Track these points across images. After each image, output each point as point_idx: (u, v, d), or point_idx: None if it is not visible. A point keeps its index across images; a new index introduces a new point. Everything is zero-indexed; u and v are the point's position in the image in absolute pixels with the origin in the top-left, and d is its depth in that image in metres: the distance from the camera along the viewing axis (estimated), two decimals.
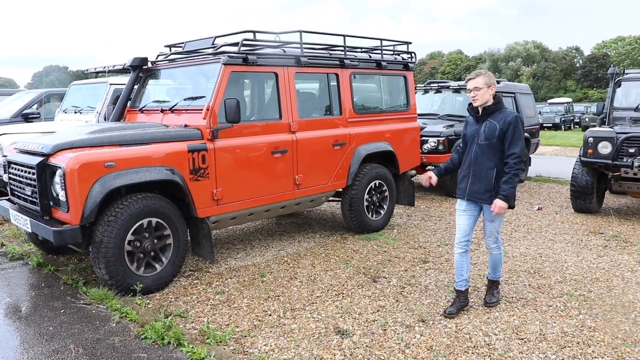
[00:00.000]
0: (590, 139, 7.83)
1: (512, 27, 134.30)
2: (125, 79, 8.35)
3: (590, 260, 5.96)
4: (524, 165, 4.26)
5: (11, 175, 5.36)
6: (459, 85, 10.93)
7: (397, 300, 4.82)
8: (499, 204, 4.21)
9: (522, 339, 4.04)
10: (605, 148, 7.68)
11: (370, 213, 7.08)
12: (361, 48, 7.22)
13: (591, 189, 8.08)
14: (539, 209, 8.76)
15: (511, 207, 4.29)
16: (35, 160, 4.76)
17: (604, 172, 8.03)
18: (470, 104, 4.47)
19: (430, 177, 4.62)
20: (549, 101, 39.46)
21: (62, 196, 4.56)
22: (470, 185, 4.42)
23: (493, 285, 4.77)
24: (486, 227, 4.56)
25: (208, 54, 5.81)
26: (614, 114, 9.07)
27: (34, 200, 4.89)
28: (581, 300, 4.81)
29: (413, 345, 3.96)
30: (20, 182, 5.15)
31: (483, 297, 4.82)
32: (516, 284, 5.20)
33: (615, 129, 7.84)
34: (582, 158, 7.98)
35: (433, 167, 4.54)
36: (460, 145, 4.70)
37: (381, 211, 7.25)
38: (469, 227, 4.51)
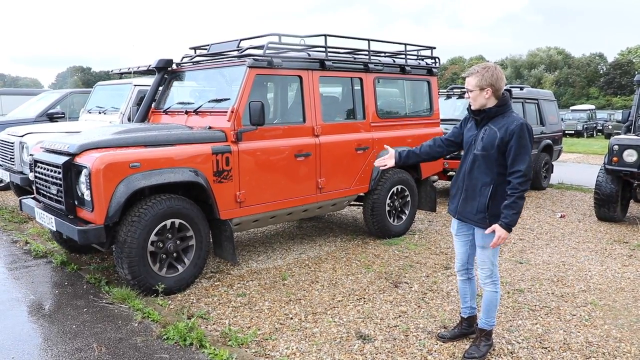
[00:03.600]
0: (616, 147, 7.72)
1: (536, 33, 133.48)
2: (149, 81, 8.44)
3: (615, 270, 5.87)
4: (527, 186, 3.51)
5: (37, 174, 5.42)
6: None
7: (418, 306, 4.78)
8: (499, 232, 3.45)
9: (546, 348, 3.98)
10: (630, 156, 7.57)
11: (392, 218, 7.05)
12: (385, 52, 7.21)
13: (615, 197, 7.97)
14: (561, 216, 8.65)
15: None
16: (61, 160, 4.81)
17: (629, 180, 7.93)
18: (470, 104, 3.71)
19: (385, 158, 4.02)
20: (571, 108, 39.00)
21: (87, 196, 4.60)
22: (461, 202, 3.74)
23: (482, 334, 3.87)
24: (477, 255, 3.80)
25: (233, 57, 5.83)
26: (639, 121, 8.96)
27: (59, 199, 4.94)
28: (606, 310, 4.74)
29: (435, 351, 3.92)
30: (45, 180, 5.21)
31: (467, 345, 3.99)
32: (539, 292, 5.14)
33: None
34: (607, 166, 7.87)
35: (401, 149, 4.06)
36: (445, 136, 4.00)
37: (403, 216, 7.21)
38: (465, 254, 3.92)
